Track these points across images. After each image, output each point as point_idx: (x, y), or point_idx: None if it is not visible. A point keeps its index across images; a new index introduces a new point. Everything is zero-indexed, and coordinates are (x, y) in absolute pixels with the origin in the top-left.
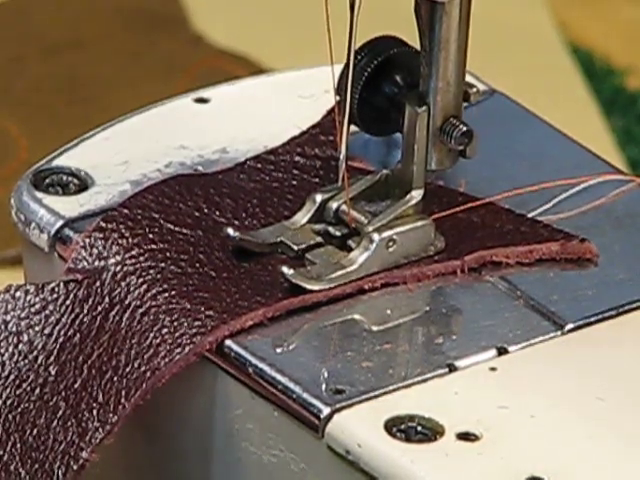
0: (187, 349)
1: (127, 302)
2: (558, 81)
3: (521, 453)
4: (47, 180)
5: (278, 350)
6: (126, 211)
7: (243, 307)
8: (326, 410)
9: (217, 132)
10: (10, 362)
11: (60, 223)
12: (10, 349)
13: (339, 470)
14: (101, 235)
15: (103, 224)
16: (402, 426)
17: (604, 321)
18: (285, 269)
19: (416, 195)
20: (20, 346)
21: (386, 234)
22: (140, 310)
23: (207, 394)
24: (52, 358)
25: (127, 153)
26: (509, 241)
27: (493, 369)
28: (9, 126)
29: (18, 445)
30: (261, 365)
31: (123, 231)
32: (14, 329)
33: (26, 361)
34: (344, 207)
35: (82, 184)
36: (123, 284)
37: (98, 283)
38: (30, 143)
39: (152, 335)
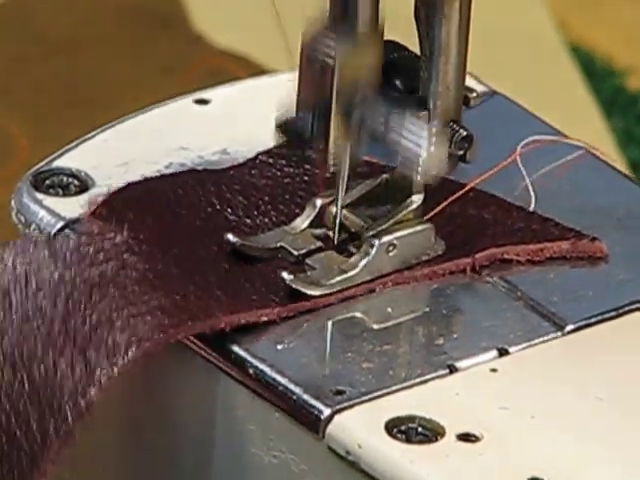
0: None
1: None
2: (558, 82)
3: (522, 454)
4: (47, 181)
5: (278, 351)
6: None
7: (243, 312)
8: (326, 411)
9: (217, 133)
10: (18, 301)
11: (60, 224)
12: (18, 289)
13: (339, 471)
14: (106, 214)
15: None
16: (402, 427)
17: (604, 322)
18: (285, 274)
19: (416, 200)
20: (29, 287)
21: (386, 239)
22: (150, 275)
23: (208, 395)
24: (62, 298)
25: (127, 154)
26: (520, 239)
27: (494, 370)
28: (10, 126)
29: (26, 384)
30: (262, 366)
31: (129, 215)
32: (23, 272)
33: (34, 299)
34: (344, 212)
35: (82, 185)
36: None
37: (108, 244)
38: (31, 143)
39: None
